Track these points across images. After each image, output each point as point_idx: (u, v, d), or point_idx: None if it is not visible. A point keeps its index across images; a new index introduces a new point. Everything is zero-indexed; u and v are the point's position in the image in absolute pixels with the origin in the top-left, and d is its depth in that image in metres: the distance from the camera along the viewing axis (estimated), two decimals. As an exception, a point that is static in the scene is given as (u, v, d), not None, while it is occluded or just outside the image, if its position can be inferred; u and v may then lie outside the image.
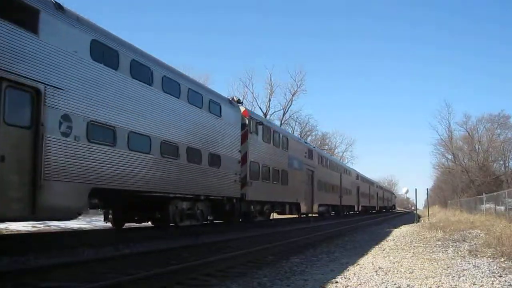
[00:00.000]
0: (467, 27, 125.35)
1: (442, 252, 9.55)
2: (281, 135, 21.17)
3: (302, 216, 26.24)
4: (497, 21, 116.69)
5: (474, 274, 6.51)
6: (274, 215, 22.63)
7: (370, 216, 41.11)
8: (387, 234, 15.87)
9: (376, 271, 6.75)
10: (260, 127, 18.06)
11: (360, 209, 45.89)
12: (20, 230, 12.17)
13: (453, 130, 60.61)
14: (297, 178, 22.71)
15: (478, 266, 7.31)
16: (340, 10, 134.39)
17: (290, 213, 22.80)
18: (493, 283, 5.85)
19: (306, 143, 28.98)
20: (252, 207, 17.59)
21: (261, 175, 17.87)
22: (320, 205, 28.09)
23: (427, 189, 31.01)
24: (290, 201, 21.87)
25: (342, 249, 10.12)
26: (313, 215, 27.46)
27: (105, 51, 9.48)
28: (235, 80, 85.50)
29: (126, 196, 10.67)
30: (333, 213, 34.16)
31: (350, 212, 42.66)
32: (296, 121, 54.75)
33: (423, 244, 11.48)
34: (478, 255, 8.80)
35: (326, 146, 63.61)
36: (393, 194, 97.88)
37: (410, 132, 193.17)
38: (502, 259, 8.03)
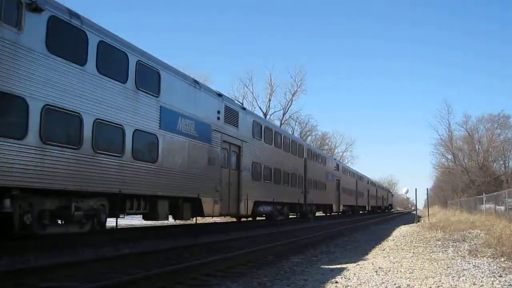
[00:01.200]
0: (467, 27, 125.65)
1: (442, 252, 9.55)
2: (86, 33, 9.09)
3: (240, 221, 19.60)
4: (497, 21, 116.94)
5: (474, 274, 6.51)
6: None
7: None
8: (387, 234, 15.87)
9: (376, 271, 6.75)
10: None
11: (342, 209, 35.67)
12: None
13: (453, 130, 60.74)
14: (180, 150, 12.03)
15: (478, 266, 7.31)
16: (340, 10, 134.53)
17: (178, 217, 12.61)
18: (493, 283, 5.85)
19: (220, 95, 15.00)
20: None
21: None
22: (257, 203, 17.64)
23: (427, 189, 30.95)
24: (164, 195, 11.40)
25: (342, 249, 10.13)
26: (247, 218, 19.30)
27: None
28: (235, 80, 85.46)
29: None
30: (293, 215, 24.95)
31: (329, 214, 32.97)
32: (296, 121, 54.85)
33: (423, 244, 11.48)
34: (478, 255, 8.80)
35: (326, 146, 63.67)
36: (390, 192, 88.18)
37: (410, 132, 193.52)
38: (502, 259, 8.03)
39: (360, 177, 46.50)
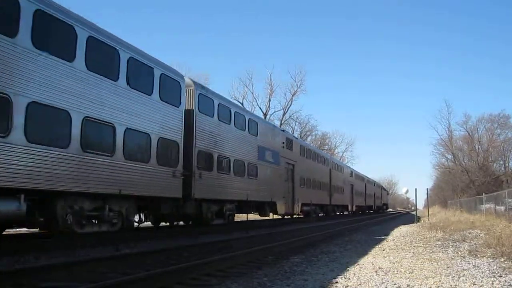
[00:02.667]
0: (467, 27, 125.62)
1: (442, 252, 9.55)
2: None
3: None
4: (497, 21, 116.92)
5: (474, 274, 6.51)
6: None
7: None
8: (387, 234, 15.87)
9: (376, 271, 6.75)
10: None
11: (299, 210, 23.98)
12: (20, 230, 12.16)
13: (453, 130, 60.78)
14: None
15: (478, 266, 7.31)
16: (340, 10, 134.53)
17: None
18: (493, 283, 5.85)
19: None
20: None
21: None
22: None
23: (427, 189, 30.95)
24: None
25: (342, 249, 10.12)
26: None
27: None
28: (235, 80, 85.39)
29: None
30: (164, 224, 14.54)
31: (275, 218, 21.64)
32: (296, 121, 54.81)
33: (423, 244, 11.47)
34: (478, 255, 8.80)
35: (326, 146, 63.68)
36: (385, 190, 75.70)
37: (410, 132, 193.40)
38: (502, 259, 8.03)
39: (336, 166, 34.34)
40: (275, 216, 21.61)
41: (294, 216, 23.63)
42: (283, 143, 21.55)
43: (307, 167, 25.93)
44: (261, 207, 19.40)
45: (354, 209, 41.32)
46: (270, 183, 19.44)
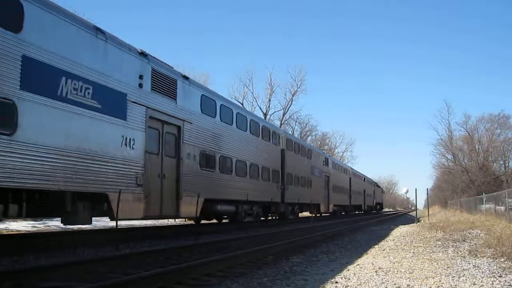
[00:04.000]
0: (467, 26, 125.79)
1: (442, 252, 9.55)
2: None
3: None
4: (497, 21, 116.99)
5: (474, 274, 6.52)
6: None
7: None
8: (387, 234, 15.87)
9: (376, 271, 6.75)
10: None
11: (214, 211, 14.20)
12: (20, 230, 12.16)
13: (453, 130, 60.66)
14: None
15: (478, 266, 7.31)
16: (340, 10, 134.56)
17: None
18: (493, 283, 5.85)
19: None
20: None
21: None
22: None
23: (427, 189, 30.99)
24: None
25: (342, 249, 10.12)
26: None
27: None
28: (235, 80, 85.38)
29: None
30: None
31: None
32: (296, 121, 54.78)
33: (423, 244, 11.47)
34: (478, 255, 8.80)
35: (326, 146, 63.67)
36: (379, 186, 65.66)
37: (410, 132, 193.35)
38: (502, 259, 8.03)
39: (295, 147, 23.23)
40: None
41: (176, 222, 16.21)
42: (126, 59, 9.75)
43: (216, 134, 14.01)
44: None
45: (330, 210, 30.81)
46: (67, 152, 7.99)
